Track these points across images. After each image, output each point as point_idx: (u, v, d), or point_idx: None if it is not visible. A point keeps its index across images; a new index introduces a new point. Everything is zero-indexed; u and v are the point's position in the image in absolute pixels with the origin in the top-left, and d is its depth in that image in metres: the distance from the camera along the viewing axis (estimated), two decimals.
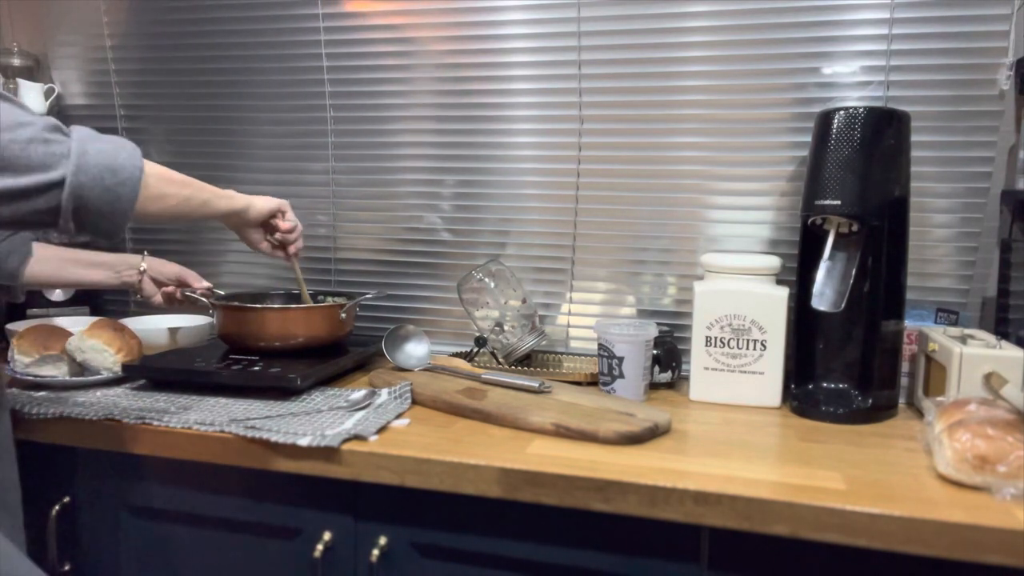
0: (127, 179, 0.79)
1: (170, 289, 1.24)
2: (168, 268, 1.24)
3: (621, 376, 1.09)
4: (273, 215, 1.10)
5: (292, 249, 1.15)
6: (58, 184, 0.74)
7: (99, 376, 1.10)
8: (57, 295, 1.47)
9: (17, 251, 1.09)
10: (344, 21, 1.42)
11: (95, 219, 0.77)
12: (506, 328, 1.27)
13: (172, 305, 1.26)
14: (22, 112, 0.73)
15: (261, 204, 1.08)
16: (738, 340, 1.10)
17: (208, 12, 1.48)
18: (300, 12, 1.43)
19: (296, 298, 1.34)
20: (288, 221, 1.12)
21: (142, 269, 1.20)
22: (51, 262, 1.14)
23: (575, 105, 1.33)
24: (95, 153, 0.76)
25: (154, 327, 1.30)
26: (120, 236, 0.82)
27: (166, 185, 0.87)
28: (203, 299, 1.21)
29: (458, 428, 0.97)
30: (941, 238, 1.21)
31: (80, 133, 0.78)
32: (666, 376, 1.19)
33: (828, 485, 0.78)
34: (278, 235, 1.12)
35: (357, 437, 0.90)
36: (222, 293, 1.25)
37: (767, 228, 1.27)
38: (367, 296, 1.29)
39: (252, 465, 0.91)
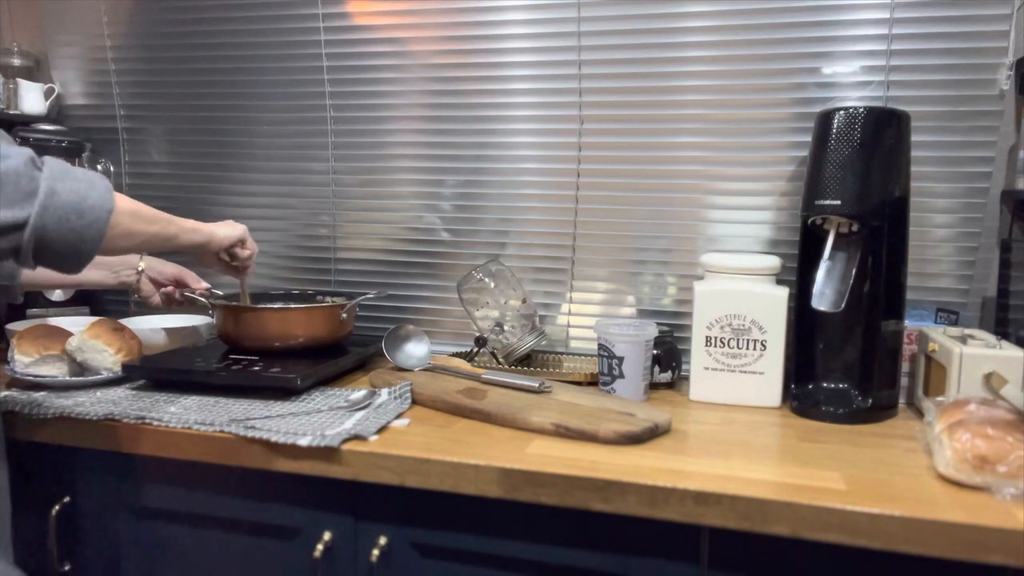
0: (94, 221, 0.76)
1: (169, 289, 1.24)
2: (167, 268, 1.24)
3: (621, 376, 1.09)
4: (234, 245, 1.08)
5: (247, 273, 1.14)
6: (22, 224, 0.72)
7: (99, 376, 1.10)
8: (57, 295, 1.46)
9: None
10: (344, 21, 1.42)
11: (56, 257, 0.76)
12: (506, 328, 1.27)
13: (171, 305, 1.25)
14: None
15: (222, 235, 1.05)
16: (738, 340, 1.10)
17: (208, 12, 1.48)
18: (300, 12, 1.43)
19: (296, 298, 1.35)
20: (247, 249, 1.10)
21: (140, 269, 1.20)
22: None
23: (575, 105, 1.33)
24: (64, 192, 0.74)
25: (154, 327, 1.30)
26: (81, 270, 0.80)
27: (135, 222, 0.85)
28: (202, 299, 1.21)
29: (458, 428, 0.97)
30: (941, 238, 1.21)
31: (52, 170, 0.75)
32: (666, 376, 1.19)
33: (828, 485, 0.78)
34: (236, 262, 1.10)
35: (357, 437, 0.90)
36: (221, 293, 1.25)
37: (767, 228, 1.27)
38: (367, 296, 1.29)
39: (252, 465, 0.91)
